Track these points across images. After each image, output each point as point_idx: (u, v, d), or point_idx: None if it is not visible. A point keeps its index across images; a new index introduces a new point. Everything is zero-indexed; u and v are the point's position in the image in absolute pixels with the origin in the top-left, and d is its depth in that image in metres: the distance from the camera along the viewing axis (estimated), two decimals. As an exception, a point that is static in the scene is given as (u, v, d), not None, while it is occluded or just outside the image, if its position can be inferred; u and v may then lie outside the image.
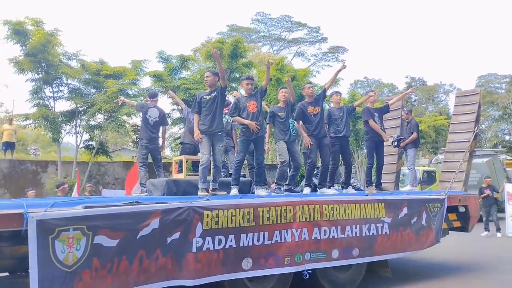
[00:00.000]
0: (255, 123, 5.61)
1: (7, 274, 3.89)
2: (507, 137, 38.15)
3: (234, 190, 5.58)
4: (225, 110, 7.04)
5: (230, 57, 15.19)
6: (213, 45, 16.08)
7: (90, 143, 15.11)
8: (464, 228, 7.19)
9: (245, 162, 6.96)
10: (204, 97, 5.51)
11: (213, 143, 5.49)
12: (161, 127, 6.99)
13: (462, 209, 7.09)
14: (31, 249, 3.35)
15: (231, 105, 6.10)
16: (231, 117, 6.09)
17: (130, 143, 26.41)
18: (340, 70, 6.48)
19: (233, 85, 15.81)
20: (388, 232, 5.65)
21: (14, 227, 3.45)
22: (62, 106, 29.68)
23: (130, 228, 3.87)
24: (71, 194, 11.10)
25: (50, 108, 13.80)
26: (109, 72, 14.16)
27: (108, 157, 15.48)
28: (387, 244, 5.65)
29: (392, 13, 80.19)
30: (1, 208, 3.62)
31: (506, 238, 10.97)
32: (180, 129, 16.30)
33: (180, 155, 6.91)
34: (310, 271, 4.98)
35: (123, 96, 9.53)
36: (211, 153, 5.48)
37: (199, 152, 6.68)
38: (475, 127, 7.76)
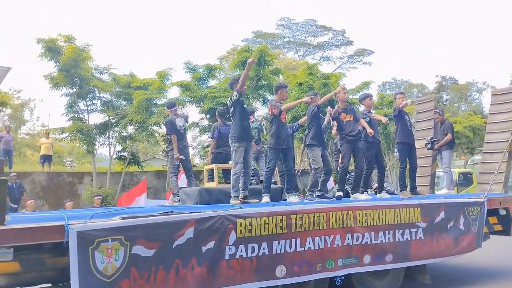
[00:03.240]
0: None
1: (49, 285, 4.01)
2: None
3: (266, 198, 5.58)
4: (251, 118, 7.08)
5: (256, 65, 15.26)
6: (238, 53, 16.21)
7: (122, 153, 15.50)
8: (505, 232, 6.89)
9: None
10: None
11: (245, 150, 5.57)
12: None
13: (503, 212, 6.81)
14: (72, 260, 3.46)
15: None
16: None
17: (160, 153, 26.93)
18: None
19: (260, 92, 15.85)
20: (422, 237, 5.49)
21: (56, 239, 3.57)
22: (96, 118, 30.67)
23: (166, 237, 3.94)
24: (105, 205, 11.44)
25: (84, 121, 14.28)
26: (139, 84, 14.55)
27: (140, 167, 15.82)
28: (422, 249, 5.49)
29: (420, 11, 78.55)
30: (43, 221, 3.76)
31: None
32: (208, 137, 16.47)
33: (212, 163, 6.98)
34: (343, 278, 4.90)
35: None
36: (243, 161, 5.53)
37: (229, 160, 6.74)
38: (513, 126, 7.46)
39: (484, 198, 6.24)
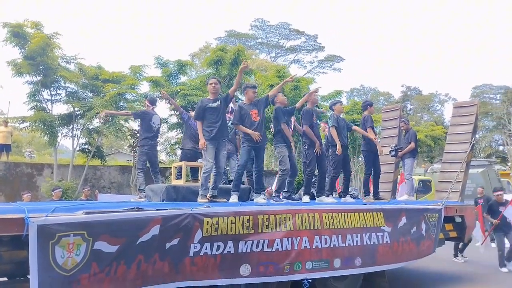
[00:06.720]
0: (258, 134, 5.59)
1: (5, 279, 3.85)
2: (501, 148, 38.48)
3: (234, 197, 5.57)
4: (229, 116, 7.06)
5: (231, 64, 15.24)
6: (213, 52, 16.11)
7: (86, 146, 15.04)
8: (460, 239, 7.26)
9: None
10: (209, 105, 5.52)
11: (217, 149, 5.51)
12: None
13: (458, 220, 7.14)
14: (31, 254, 3.33)
15: (234, 113, 6.01)
16: (234, 125, 6.07)
17: (126, 147, 26.34)
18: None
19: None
20: (389, 242, 5.65)
21: (14, 232, 3.43)
22: (60, 109, 29.67)
23: (131, 234, 3.86)
24: (65, 199, 11.06)
25: (47, 111, 13.74)
26: (107, 77, 14.14)
27: (102, 161, 15.41)
28: (388, 254, 5.63)
29: (389, 23, 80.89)
30: (2, 213, 3.60)
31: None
32: (177, 134, 16.26)
33: (180, 160, 6.92)
34: (310, 280, 4.94)
35: (106, 110, 9.70)
36: (214, 160, 5.49)
37: (199, 158, 6.69)
38: (472, 138, 7.84)
39: (442, 206, 6.51)
